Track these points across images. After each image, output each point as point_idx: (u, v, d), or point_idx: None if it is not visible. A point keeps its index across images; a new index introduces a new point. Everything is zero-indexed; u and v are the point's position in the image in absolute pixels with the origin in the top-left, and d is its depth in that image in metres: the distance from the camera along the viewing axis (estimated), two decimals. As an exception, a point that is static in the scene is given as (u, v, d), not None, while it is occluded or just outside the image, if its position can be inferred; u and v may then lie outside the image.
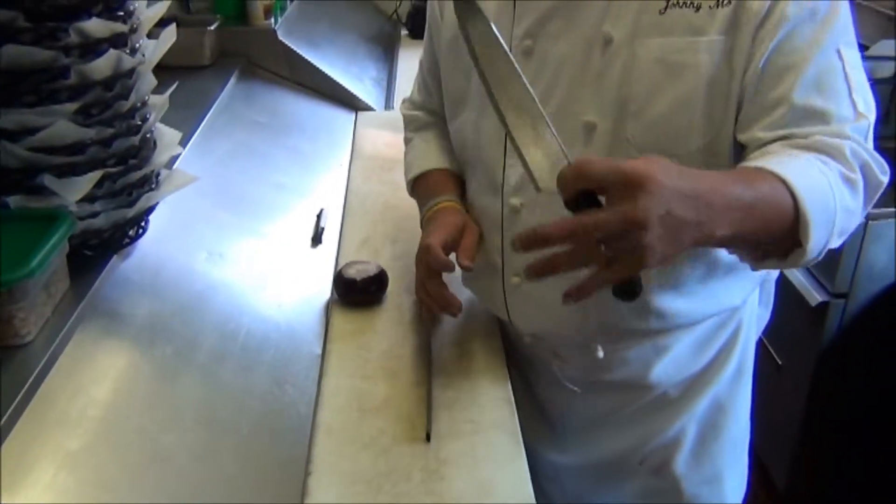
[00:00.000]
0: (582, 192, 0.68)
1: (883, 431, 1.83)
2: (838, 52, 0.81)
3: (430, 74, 1.14)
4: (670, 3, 0.84)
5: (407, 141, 1.22)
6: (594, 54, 0.88)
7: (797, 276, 1.81)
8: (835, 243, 0.79)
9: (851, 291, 1.73)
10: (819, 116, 0.80)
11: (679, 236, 0.67)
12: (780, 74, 0.81)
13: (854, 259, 1.70)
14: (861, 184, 0.79)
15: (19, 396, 0.71)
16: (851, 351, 1.79)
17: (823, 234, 0.75)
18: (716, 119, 0.85)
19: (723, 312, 1.02)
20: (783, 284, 1.21)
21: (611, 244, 0.67)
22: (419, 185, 1.13)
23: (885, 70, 1.92)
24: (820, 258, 0.78)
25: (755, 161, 0.78)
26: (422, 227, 1.07)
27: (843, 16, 0.82)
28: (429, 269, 0.99)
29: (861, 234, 1.66)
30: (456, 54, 1.03)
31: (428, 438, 0.92)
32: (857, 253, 1.68)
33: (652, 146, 0.87)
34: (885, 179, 0.82)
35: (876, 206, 1.62)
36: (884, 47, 1.94)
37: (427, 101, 1.19)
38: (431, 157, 1.14)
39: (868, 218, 1.66)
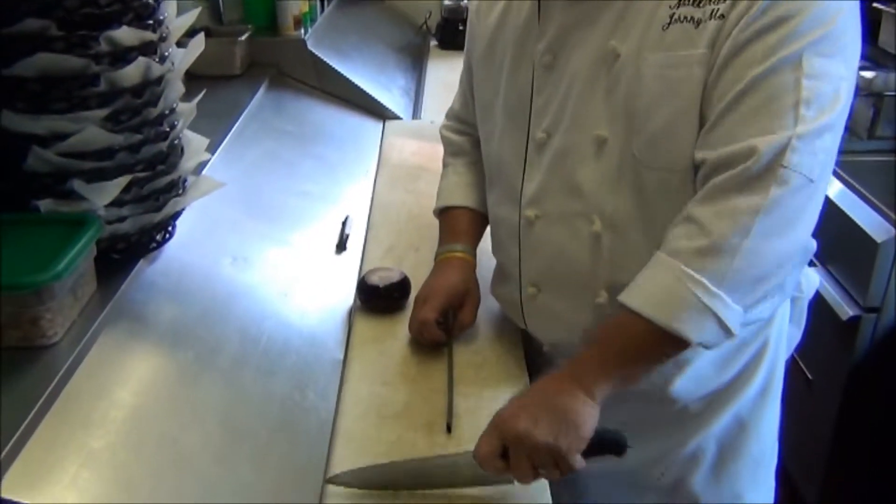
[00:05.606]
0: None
1: (917, 450, 1.79)
2: (799, 62, 0.78)
3: (467, 83, 1.17)
4: (673, 18, 0.84)
5: (444, 165, 1.25)
6: (603, 69, 0.89)
7: (828, 291, 1.78)
8: (751, 298, 0.82)
9: (884, 305, 1.69)
10: (737, 134, 0.79)
11: (550, 402, 0.82)
12: (720, 91, 0.81)
13: (887, 273, 1.66)
14: (722, 238, 0.78)
15: (45, 395, 0.73)
16: (884, 366, 1.75)
17: (703, 320, 0.80)
18: None
19: (746, 325, 1.00)
20: (813, 299, 1.19)
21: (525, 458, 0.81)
22: (443, 218, 1.20)
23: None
24: (743, 318, 0.82)
25: None
26: (435, 261, 1.15)
27: (823, 25, 0.79)
28: (423, 338, 1.08)
29: (894, 248, 1.63)
30: (487, 65, 1.05)
31: (448, 430, 0.93)
32: (889, 267, 1.65)
33: (654, 162, 0.88)
34: (783, 190, 0.78)
35: (907, 218, 1.61)
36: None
37: (463, 111, 1.22)
38: (459, 193, 1.19)
39: (900, 230, 1.63)
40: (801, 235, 0.83)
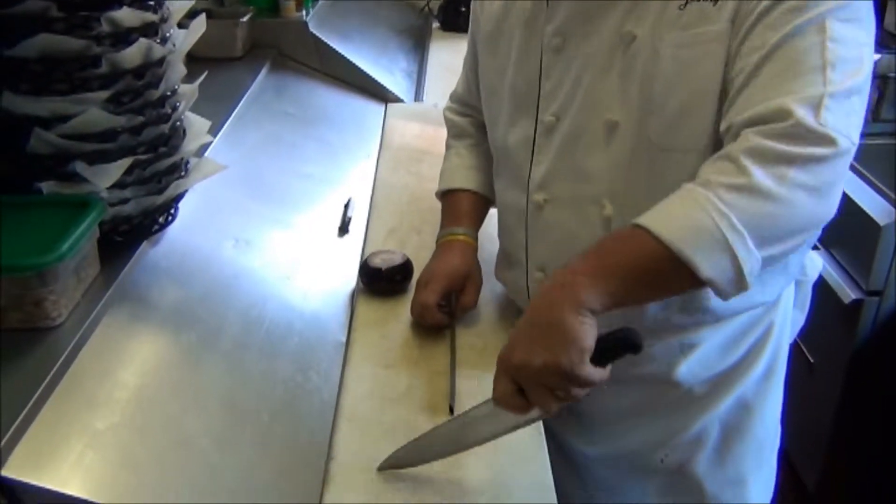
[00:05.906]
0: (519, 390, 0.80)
1: (917, 433, 1.79)
2: (822, 25, 0.77)
3: (471, 67, 1.17)
4: None
5: (447, 147, 1.26)
6: (618, 52, 0.89)
7: (831, 274, 1.78)
8: (771, 251, 0.76)
9: (886, 289, 1.69)
10: (764, 97, 0.77)
11: (539, 321, 0.77)
12: (744, 59, 0.80)
13: (889, 256, 1.66)
14: (757, 179, 0.74)
15: (49, 377, 0.73)
16: (885, 349, 1.75)
17: (717, 254, 0.73)
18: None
19: (753, 308, 1.01)
20: (816, 282, 1.19)
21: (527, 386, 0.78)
22: (445, 201, 1.20)
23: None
24: (759, 269, 0.75)
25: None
26: (437, 245, 1.15)
27: None
28: (424, 321, 1.09)
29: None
30: (493, 48, 1.04)
31: (451, 412, 0.94)
32: (892, 250, 1.65)
33: (672, 143, 0.87)
34: (829, 151, 0.75)
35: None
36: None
37: (466, 93, 1.22)
38: (460, 176, 1.19)
39: (903, 214, 1.62)
40: (835, 203, 0.79)
